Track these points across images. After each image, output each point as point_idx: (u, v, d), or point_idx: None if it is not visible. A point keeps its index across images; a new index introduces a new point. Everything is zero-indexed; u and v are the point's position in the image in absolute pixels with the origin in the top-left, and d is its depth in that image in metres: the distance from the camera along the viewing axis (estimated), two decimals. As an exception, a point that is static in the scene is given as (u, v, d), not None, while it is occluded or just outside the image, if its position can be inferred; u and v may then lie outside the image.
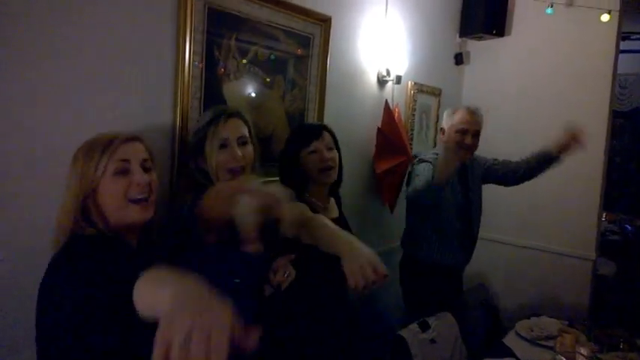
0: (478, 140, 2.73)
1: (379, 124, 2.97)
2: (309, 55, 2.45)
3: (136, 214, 1.30)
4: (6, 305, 1.47)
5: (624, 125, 6.91)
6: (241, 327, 0.67)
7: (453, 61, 3.85)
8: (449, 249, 2.74)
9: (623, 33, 5.16)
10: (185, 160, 1.79)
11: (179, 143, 1.86)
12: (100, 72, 1.63)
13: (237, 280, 1.61)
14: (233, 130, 1.64)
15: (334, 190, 2.17)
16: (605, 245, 4.35)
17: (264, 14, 2.16)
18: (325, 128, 2.07)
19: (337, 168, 2.05)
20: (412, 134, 3.41)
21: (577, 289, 3.46)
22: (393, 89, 3.09)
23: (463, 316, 2.67)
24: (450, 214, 2.73)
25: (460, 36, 3.82)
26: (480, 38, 3.77)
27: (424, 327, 2.39)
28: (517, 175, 2.87)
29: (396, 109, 3.05)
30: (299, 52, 2.39)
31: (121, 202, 1.28)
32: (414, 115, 3.39)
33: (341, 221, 2.08)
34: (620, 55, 3.49)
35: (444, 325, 2.49)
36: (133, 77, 1.72)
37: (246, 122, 1.71)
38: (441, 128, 2.83)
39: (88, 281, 1.07)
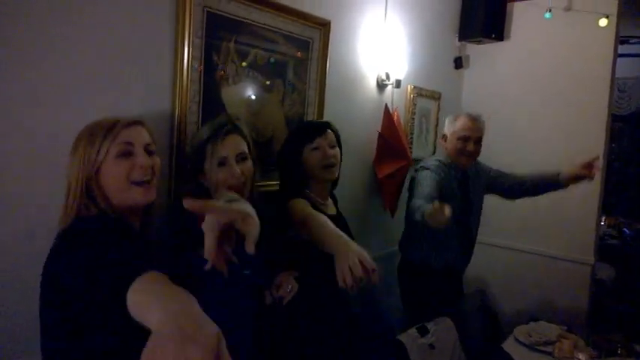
0: (480, 146, 2.72)
1: (379, 128, 2.97)
2: (308, 59, 2.45)
3: (138, 196, 1.31)
4: (7, 300, 1.47)
5: (623, 129, 6.92)
6: (226, 357, 0.68)
7: (452, 64, 3.85)
8: (447, 253, 2.74)
9: (622, 37, 5.20)
10: (185, 176, 1.81)
11: (177, 147, 1.86)
12: (98, 73, 1.62)
13: (247, 272, 1.62)
14: (231, 148, 1.65)
15: (332, 189, 2.19)
16: (603, 249, 4.35)
17: (263, 18, 2.15)
18: (329, 126, 2.09)
19: (338, 165, 2.07)
20: (412, 138, 3.41)
21: (575, 293, 3.45)
22: (392, 93, 3.08)
23: (462, 321, 2.66)
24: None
25: (459, 40, 3.82)
26: (479, 42, 3.77)
27: (423, 332, 2.39)
28: (522, 189, 2.87)
29: (396, 113, 3.04)
30: (298, 56, 2.39)
31: (124, 184, 1.29)
32: (413, 119, 3.39)
33: (339, 219, 2.10)
34: (620, 59, 3.50)
35: (442, 330, 2.49)
36: (131, 79, 1.72)
37: (244, 137, 1.70)
38: (443, 134, 2.82)
39: (91, 261, 1.07)
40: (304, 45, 2.41)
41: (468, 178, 2.79)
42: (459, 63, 3.85)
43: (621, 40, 5.04)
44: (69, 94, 1.56)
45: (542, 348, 2.44)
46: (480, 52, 3.88)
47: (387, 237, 3.15)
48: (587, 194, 3.39)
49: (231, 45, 2.04)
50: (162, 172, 1.77)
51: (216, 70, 1.99)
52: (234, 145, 1.66)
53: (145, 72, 1.76)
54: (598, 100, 3.38)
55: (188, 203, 1.01)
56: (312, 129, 2.08)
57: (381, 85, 3.01)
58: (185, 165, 1.80)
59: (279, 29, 2.25)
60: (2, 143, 1.43)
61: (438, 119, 3.65)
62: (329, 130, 2.06)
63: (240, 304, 1.65)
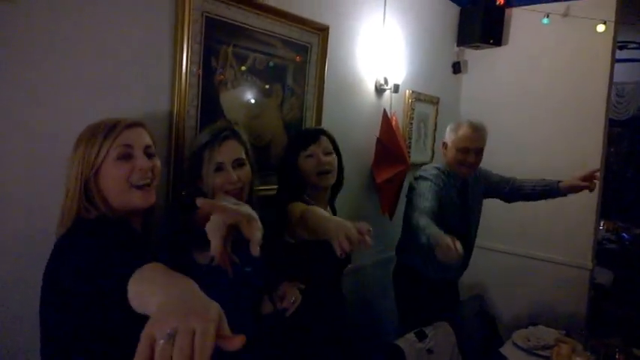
0: (481, 156, 2.67)
1: (377, 133, 2.98)
2: (306, 64, 2.46)
3: (138, 200, 1.31)
4: (7, 301, 1.48)
5: (622, 133, 6.95)
6: (227, 333, 0.68)
7: (450, 69, 3.87)
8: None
9: (621, 42, 5.23)
10: (182, 182, 1.81)
11: (175, 151, 1.86)
12: (96, 78, 1.63)
13: (249, 269, 1.62)
14: (228, 154, 1.65)
15: (334, 195, 2.19)
16: (602, 254, 4.36)
17: (261, 23, 2.16)
18: (323, 132, 2.10)
19: (335, 172, 2.07)
20: (410, 143, 3.41)
21: (574, 298, 3.46)
22: (390, 98, 3.09)
23: (460, 325, 2.66)
24: (448, 227, 2.65)
25: (458, 45, 3.84)
26: (477, 47, 3.79)
27: (421, 336, 2.39)
28: (522, 193, 2.86)
29: (394, 118, 3.05)
30: (297, 60, 2.40)
31: (124, 187, 1.29)
32: (411, 123, 3.40)
33: None
34: (618, 64, 3.52)
35: (441, 334, 2.49)
36: (130, 84, 1.72)
37: (242, 143, 1.71)
38: (444, 142, 2.76)
39: (91, 264, 1.07)
40: (303, 50, 2.42)
41: (468, 186, 2.76)
42: (457, 68, 3.87)
43: (620, 45, 5.07)
44: (68, 97, 1.57)
45: (540, 352, 2.44)
46: (478, 58, 3.90)
47: (385, 242, 3.16)
48: (586, 199, 3.38)
49: (230, 49, 2.05)
50: (161, 176, 1.78)
51: (214, 74, 2.00)
52: (231, 151, 1.66)
53: (143, 76, 1.77)
54: (596, 104, 3.39)
55: (200, 202, 1.03)
56: (306, 136, 2.09)
57: (379, 90, 3.02)
58: (183, 170, 1.81)
59: (278, 34, 2.26)
60: (2, 143, 1.44)
61: (436, 124, 3.66)
62: (323, 137, 2.07)
63: (240, 304, 1.65)
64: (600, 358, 2.31)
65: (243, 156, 1.69)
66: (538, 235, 3.62)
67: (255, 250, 1.05)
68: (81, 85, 1.59)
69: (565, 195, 2.73)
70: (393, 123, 3.00)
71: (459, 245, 1.98)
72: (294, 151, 2.05)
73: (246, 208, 1.14)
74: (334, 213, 2.21)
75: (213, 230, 1.06)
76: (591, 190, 2.64)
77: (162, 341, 0.63)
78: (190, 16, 1.84)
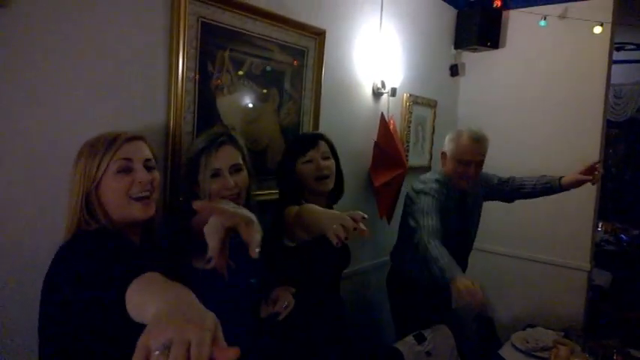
0: (482, 167, 2.62)
1: (375, 137, 2.98)
2: (303, 68, 2.46)
3: (138, 212, 1.33)
4: (6, 306, 1.48)
5: (620, 135, 6.96)
6: (222, 343, 0.68)
7: (448, 72, 3.88)
8: None
9: (619, 44, 5.24)
10: (180, 187, 1.82)
11: (172, 157, 1.86)
12: (91, 83, 1.63)
13: (253, 281, 1.62)
14: (225, 160, 1.65)
15: (335, 200, 2.19)
16: (600, 255, 4.36)
17: (257, 28, 2.17)
18: (322, 137, 2.10)
19: (334, 176, 2.07)
20: (408, 146, 3.42)
21: (572, 299, 3.46)
22: (388, 101, 3.10)
23: (459, 328, 2.67)
24: (447, 233, 2.54)
25: (455, 48, 3.85)
26: (474, 50, 3.80)
27: (420, 339, 2.39)
28: (523, 192, 2.83)
29: (392, 121, 3.06)
30: (294, 65, 2.40)
31: (124, 200, 1.31)
32: (409, 127, 3.40)
33: None
34: (616, 66, 3.53)
35: (439, 337, 2.49)
36: (125, 89, 1.73)
37: (239, 148, 1.71)
38: (443, 152, 2.66)
39: (90, 276, 1.08)
40: (300, 54, 2.43)
41: (467, 196, 2.71)
42: (454, 71, 3.88)
43: (617, 46, 5.08)
44: (66, 99, 1.58)
45: (539, 354, 2.44)
46: (475, 60, 3.91)
47: (384, 245, 3.16)
48: (584, 200, 3.41)
49: (227, 54, 2.05)
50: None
51: (211, 79, 2.00)
52: (228, 156, 1.67)
53: (139, 81, 1.77)
54: (594, 106, 3.40)
55: (198, 204, 1.04)
56: (304, 142, 2.08)
57: (376, 94, 3.03)
58: (180, 176, 1.81)
59: (275, 39, 2.27)
60: (2, 143, 1.45)
61: (434, 127, 3.67)
62: (321, 142, 2.06)
63: (239, 308, 1.65)
64: (598, 359, 2.32)
65: (240, 161, 1.70)
66: (536, 237, 3.63)
67: (254, 253, 1.05)
68: (74, 93, 1.60)
69: (566, 190, 2.69)
70: (391, 126, 3.01)
71: (478, 290, 1.93)
72: (292, 157, 2.05)
73: (245, 211, 1.14)
74: None
75: (212, 232, 1.06)
76: (594, 182, 2.61)
77: (157, 352, 0.63)
78: (186, 21, 1.85)
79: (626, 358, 2.32)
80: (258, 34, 2.18)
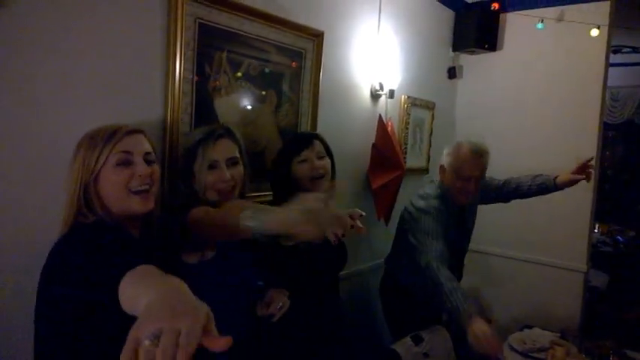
0: (481, 181, 2.53)
1: (372, 139, 2.99)
2: (301, 70, 2.47)
3: (137, 205, 1.33)
4: (6, 306, 1.49)
5: (616, 137, 6.98)
6: (214, 334, 0.68)
7: (446, 74, 3.89)
8: None
9: (616, 46, 5.26)
10: (176, 180, 1.80)
11: (169, 157, 1.86)
12: (87, 85, 1.64)
13: (261, 283, 1.62)
14: (222, 152, 1.66)
15: None
16: (597, 257, 4.37)
17: (255, 29, 2.17)
18: (317, 137, 2.09)
19: (329, 176, 2.07)
20: (406, 148, 3.43)
21: (569, 300, 3.47)
22: (386, 103, 3.11)
23: (456, 329, 2.66)
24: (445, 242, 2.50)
25: (453, 50, 3.86)
26: (472, 52, 3.82)
27: (417, 341, 2.39)
28: (519, 192, 2.82)
29: (390, 123, 3.06)
30: (291, 66, 2.41)
31: (123, 193, 1.31)
32: (407, 129, 3.41)
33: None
34: (612, 68, 3.54)
35: (437, 338, 2.49)
36: (123, 90, 1.73)
37: (236, 142, 1.72)
38: (441, 165, 2.54)
39: (86, 271, 1.08)
40: (297, 56, 2.43)
41: (465, 210, 2.67)
42: (452, 73, 3.89)
43: (614, 49, 5.10)
44: (65, 100, 1.58)
45: (536, 355, 2.44)
46: (473, 63, 3.92)
47: (381, 247, 3.16)
48: (581, 202, 3.42)
49: (224, 56, 2.05)
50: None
51: (208, 80, 2.01)
52: (226, 149, 1.67)
53: (136, 83, 1.77)
54: (591, 108, 3.42)
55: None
56: (299, 142, 2.07)
57: (374, 96, 3.03)
58: (176, 173, 1.81)
59: (272, 40, 2.27)
60: (2, 143, 1.45)
61: (432, 129, 3.68)
62: (316, 141, 2.05)
63: (234, 305, 1.65)
64: (595, 360, 2.33)
65: (237, 155, 1.70)
66: (533, 238, 3.64)
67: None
68: (77, 88, 1.60)
69: (561, 189, 2.68)
70: (389, 128, 3.01)
71: (495, 337, 1.89)
72: (287, 157, 2.04)
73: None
74: None
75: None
76: (588, 180, 2.61)
77: (147, 342, 0.63)
78: (183, 22, 1.85)
79: (622, 359, 2.32)
80: (256, 35, 2.18)
